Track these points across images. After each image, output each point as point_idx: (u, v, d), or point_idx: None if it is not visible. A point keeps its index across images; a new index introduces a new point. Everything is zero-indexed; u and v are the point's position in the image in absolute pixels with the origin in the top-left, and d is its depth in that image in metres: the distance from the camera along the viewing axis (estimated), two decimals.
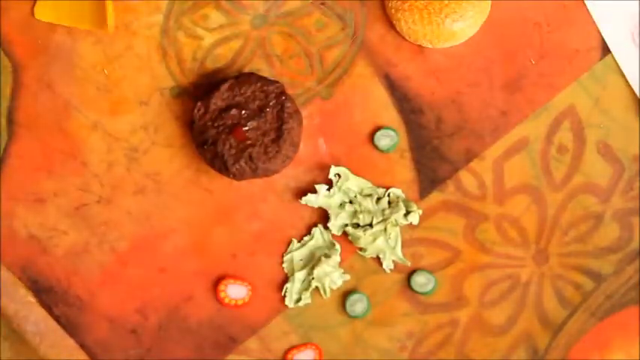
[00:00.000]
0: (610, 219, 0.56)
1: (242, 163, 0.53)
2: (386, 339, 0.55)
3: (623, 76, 0.57)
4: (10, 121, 0.57)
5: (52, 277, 0.56)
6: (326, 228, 0.55)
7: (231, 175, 0.54)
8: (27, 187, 0.56)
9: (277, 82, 0.55)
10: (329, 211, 0.55)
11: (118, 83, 0.57)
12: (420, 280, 0.55)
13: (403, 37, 0.56)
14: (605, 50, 0.57)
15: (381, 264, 0.55)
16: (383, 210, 0.55)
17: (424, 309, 0.55)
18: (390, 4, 0.55)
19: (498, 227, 0.56)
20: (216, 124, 0.54)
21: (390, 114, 0.56)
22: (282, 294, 0.55)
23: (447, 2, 0.55)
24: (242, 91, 0.54)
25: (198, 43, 0.57)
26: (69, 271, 0.56)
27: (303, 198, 0.55)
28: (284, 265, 0.55)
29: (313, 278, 0.54)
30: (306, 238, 0.56)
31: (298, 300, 0.55)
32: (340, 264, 0.55)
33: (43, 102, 0.57)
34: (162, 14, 0.57)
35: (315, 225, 0.56)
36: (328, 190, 0.55)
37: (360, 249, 0.55)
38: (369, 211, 0.55)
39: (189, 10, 0.57)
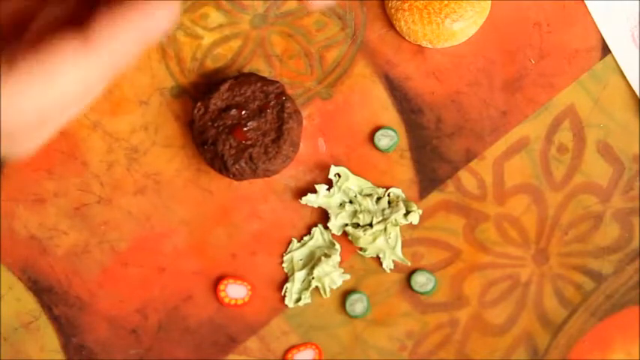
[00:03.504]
0: (610, 219, 0.56)
1: (242, 163, 0.53)
2: (386, 339, 0.55)
3: (623, 76, 0.57)
4: None
5: (52, 277, 0.56)
6: (326, 228, 0.55)
7: (231, 175, 0.54)
8: (27, 187, 0.56)
9: (277, 82, 0.55)
10: (329, 211, 0.55)
11: (117, 83, 0.57)
12: (420, 280, 0.55)
13: (403, 37, 0.56)
14: (605, 50, 0.57)
15: (381, 264, 0.55)
16: (383, 210, 0.55)
17: (424, 309, 0.55)
18: (390, 4, 0.55)
19: (498, 227, 0.56)
20: (216, 124, 0.54)
21: (390, 114, 0.56)
22: (282, 294, 0.55)
23: (447, 2, 0.55)
24: (242, 91, 0.54)
25: (198, 43, 0.57)
26: (69, 271, 0.56)
27: (303, 198, 0.55)
28: (284, 265, 0.55)
29: (313, 278, 0.54)
30: (306, 238, 0.56)
31: (298, 300, 0.55)
32: (340, 264, 0.55)
33: None
34: None
35: (315, 225, 0.56)
36: (328, 190, 0.55)
37: (360, 249, 0.55)
38: (369, 211, 0.55)
39: (189, 10, 0.57)
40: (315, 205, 0.55)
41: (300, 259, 0.55)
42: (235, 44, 0.57)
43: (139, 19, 0.37)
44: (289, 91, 0.56)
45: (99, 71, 0.38)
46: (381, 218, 0.55)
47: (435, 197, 0.56)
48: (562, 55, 0.57)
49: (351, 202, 0.55)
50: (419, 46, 0.56)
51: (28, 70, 0.37)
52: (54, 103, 0.38)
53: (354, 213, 0.55)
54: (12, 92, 0.37)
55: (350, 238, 0.55)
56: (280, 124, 0.54)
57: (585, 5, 0.57)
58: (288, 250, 0.56)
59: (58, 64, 0.37)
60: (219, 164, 0.54)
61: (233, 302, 0.55)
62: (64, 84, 0.38)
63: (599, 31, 0.57)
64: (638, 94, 0.56)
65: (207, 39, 0.57)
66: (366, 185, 0.56)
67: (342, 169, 0.55)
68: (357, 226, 0.55)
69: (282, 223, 0.56)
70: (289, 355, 0.55)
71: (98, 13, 0.38)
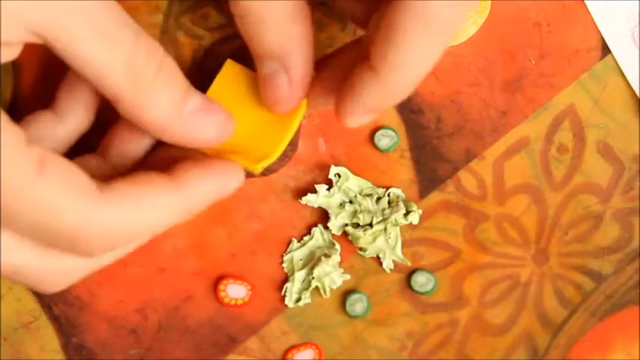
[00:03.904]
0: (610, 219, 0.56)
1: None
2: (386, 339, 0.55)
3: (623, 76, 0.57)
4: None
5: None
6: (326, 228, 0.55)
7: None
8: None
9: None
10: (329, 211, 0.55)
11: None
12: (420, 280, 0.55)
13: None
14: (605, 50, 0.57)
15: (381, 264, 0.55)
16: (383, 210, 0.55)
17: (424, 309, 0.55)
18: None
19: (498, 227, 0.56)
20: None
21: (390, 114, 0.56)
22: (282, 294, 0.55)
23: None
24: None
25: (198, 43, 0.57)
26: None
27: (303, 198, 0.55)
28: (284, 265, 0.55)
29: (313, 278, 0.54)
30: (306, 238, 0.56)
31: (298, 300, 0.55)
32: (340, 264, 0.55)
33: (44, 103, 0.56)
34: (162, 14, 0.57)
35: (315, 225, 0.56)
36: (328, 190, 0.55)
37: (360, 249, 0.55)
38: (369, 211, 0.55)
39: (189, 10, 0.57)
40: (315, 205, 0.55)
41: (300, 259, 0.55)
42: (235, 44, 0.57)
43: (217, 174, 0.43)
44: None
45: (180, 210, 0.42)
46: (381, 218, 0.55)
47: (435, 197, 0.56)
48: (562, 55, 0.57)
49: (351, 202, 0.55)
50: None
51: (124, 193, 0.40)
52: (134, 231, 0.40)
53: (354, 213, 0.55)
54: (105, 210, 0.39)
55: (350, 238, 0.55)
56: None
57: (585, 5, 0.57)
58: (288, 250, 0.56)
59: (150, 194, 0.40)
60: None
61: (233, 302, 0.55)
62: (150, 214, 0.41)
63: (599, 31, 0.57)
64: (638, 94, 0.56)
65: (208, 39, 0.57)
66: (366, 185, 0.56)
67: (342, 169, 0.55)
68: (357, 226, 0.55)
69: (282, 223, 0.56)
70: (289, 355, 0.55)
71: (182, 163, 0.42)
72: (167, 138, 0.43)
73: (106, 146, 0.47)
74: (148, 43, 0.41)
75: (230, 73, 0.49)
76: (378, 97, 0.41)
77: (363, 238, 0.54)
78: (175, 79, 0.42)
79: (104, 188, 0.40)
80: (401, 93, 0.41)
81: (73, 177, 0.39)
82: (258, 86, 0.46)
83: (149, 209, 0.41)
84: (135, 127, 0.43)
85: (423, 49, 0.39)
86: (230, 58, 0.57)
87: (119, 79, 0.40)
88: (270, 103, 0.45)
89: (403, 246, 0.55)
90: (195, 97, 0.43)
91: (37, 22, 0.38)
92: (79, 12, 0.38)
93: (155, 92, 0.41)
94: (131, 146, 0.46)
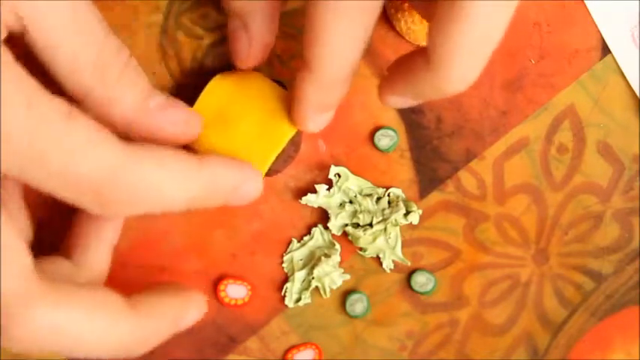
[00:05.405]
0: (610, 219, 0.56)
1: None
2: (386, 339, 0.55)
3: (623, 76, 0.57)
4: None
5: None
6: (326, 228, 0.55)
7: None
8: (27, 187, 0.56)
9: (278, 82, 0.55)
10: (329, 211, 0.55)
11: None
12: (420, 280, 0.55)
13: (403, 37, 0.56)
14: (605, 50, 0.57)
15: (381, 264, 0.55)
16: (383, 210, 0.55)
17: (424, 309, 0.55)
18: (390, 4, 0.55)
19: (498, 227, 0.56)
20: None
21: (389, 114, 0.56)
22: (282, 294, 0.55)
23: None
24: None
25: (198, 43, 0.57)
26: None
27: (303, 198, 0.55)
28: (284, 265, 0.55)
29: (313, 278, 0.54)
30: (306, 238, 0.56)
31: (298, 300, 0.55)
32: (340, 264, 0.55)
33: None
34: (162, 14, 0.57)
35: (315, 225, 0.56)
36: (328, 190, 0.55)
37: (360, 249, 0.55)
38: (369, 211, 0.55)
39: (189, 10, 0.57)
40: (315, 205, 0.55)
41: (300, 259, 0.55)
42: None
43: (174, 310, 0.44)
44: None
45: (135, 336, 0.41)
46: (381, 218, 0.55)
47: (435, 197, 0.56)
48: (562, 55, 0.57)
49: (351, 202, 0.55)
50: (419, 46, 0.56)
51: (73, 294, 0.39)
52: (60, 340, 0.39)
53: (354, 213, 0.55)
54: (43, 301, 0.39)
55: (350, 238, 0.55)
56: None
57: (585, 5, 0.57)
58: (288, 250, 0.56)
59: (104, 319, 0.41)
60: None
61: (233, 302, 0.55)
62: (99, 328, 0.40)
63: (599, 31, 0.57)
64: (638, 94, 0.56)
65: (208, 39, 0.57)
66: (366, 185, 0.56)
67: (342, 169, 0.55)
68: (357, 226, 0.55)
69: (282, 223, 0.56)
70: (289, 355, 0.55)
71: (143, 296, 0.43)
72: (135, 132, 0.44)
73: (71, 246, 0.48)
74: (117, 43, 0.43)
75: (218, 87, 0.49)
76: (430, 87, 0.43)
77: (363, 238, 0.54)
78: (140, 78, 0.44)
79: (49, 292, 0.39)
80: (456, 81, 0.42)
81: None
82: (248, 98, 0.47)
83: (96, 322, 0.41)
84: (96, 219, 0.46)
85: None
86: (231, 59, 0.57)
87: (88, 73, 0.41)
88: (234, 59, 0.49)
89: (403, 246, 0.56)
90: (160, 95, 0.45)
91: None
92: (58, 3, 0.40)
93: (121, 88, 0.42)
94: (96, 243, 0.48)
